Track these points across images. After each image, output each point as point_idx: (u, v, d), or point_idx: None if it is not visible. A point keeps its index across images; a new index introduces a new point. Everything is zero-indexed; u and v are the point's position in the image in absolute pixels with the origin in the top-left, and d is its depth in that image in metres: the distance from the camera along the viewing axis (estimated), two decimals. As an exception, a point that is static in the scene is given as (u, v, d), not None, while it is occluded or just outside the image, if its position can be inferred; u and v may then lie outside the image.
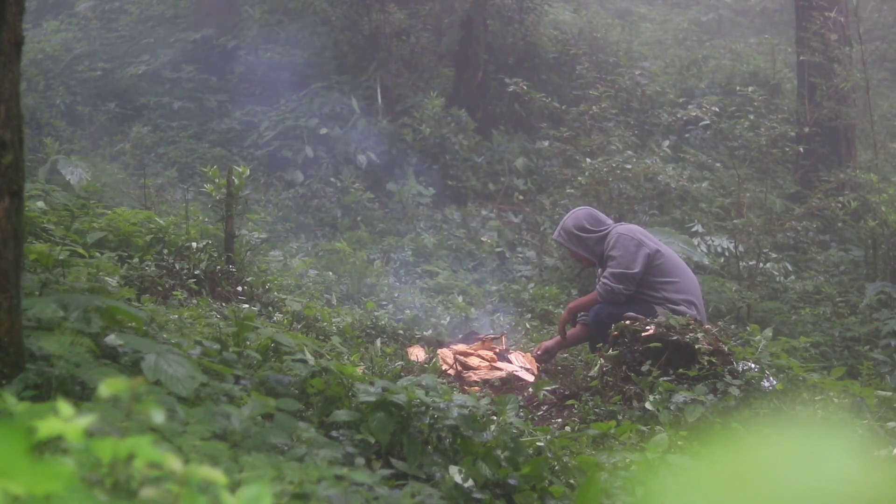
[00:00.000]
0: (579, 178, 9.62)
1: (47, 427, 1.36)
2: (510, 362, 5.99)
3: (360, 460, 2.70)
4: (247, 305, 5.35)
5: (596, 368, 5.37)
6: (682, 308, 5.70)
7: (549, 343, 6.32)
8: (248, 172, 6.63)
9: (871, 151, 10.10)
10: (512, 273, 9.84)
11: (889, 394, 4.67)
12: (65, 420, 1.37)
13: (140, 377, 1.72)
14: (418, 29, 13.90)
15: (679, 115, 11.39)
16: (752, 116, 9.67)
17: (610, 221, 6.25)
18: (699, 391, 4.49)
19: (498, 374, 5.77)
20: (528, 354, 6.22)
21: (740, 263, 9.13)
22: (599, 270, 6.11)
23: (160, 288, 5.33)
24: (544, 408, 5.16)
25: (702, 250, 9.19)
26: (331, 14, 13.37)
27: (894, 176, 9.59)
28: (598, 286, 5.98)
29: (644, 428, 4.08)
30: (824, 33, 10.16)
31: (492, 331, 6.80)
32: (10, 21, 2.43)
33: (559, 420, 4.88)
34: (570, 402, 5.02)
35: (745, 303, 8.39)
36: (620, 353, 5.15)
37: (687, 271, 6.07)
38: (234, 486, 1.46)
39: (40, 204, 5.76)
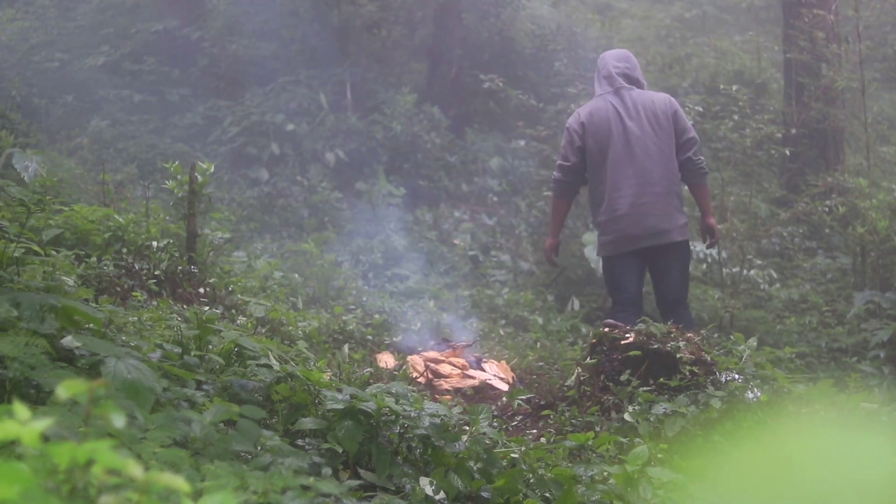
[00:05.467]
0: (556, 179, 9.39)
1: (2, 430, 1.35)
2: (483, 370, 5.90)
3: (327, 470, 2.71)
4: (209, 308, 5.30)
5: (573, 378, 5.28)
6: (604, 216, 5.70)
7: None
8: (211, 169, 6.59)
9: (861, 155, 9.90)
10: (485, 277, 9.87)
11: (875, 406, 4.60)
12: (21, 423, 1.36)
13: (99, 380, 1.62)
14: (390, 22, 14.00)
15: (661, 115, 11.15)
16: (736, 117, 9.58)
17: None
18: (680, 402, 4.42)
19: (470, 382, 5.71)
20: (503, 363, 6.14)
21: (723, 270, 9.02)
22: None
23: (119, 288, 5.33)
24: (519, 418, 5.10)
25: (684, 256, 8.98)
26: (299, 5, 13.56)
27: (884, 181, 9.35)
28: None
29: (623, 439, 4.03)
30: (812, 31, 9.90)
31: (464, 338, 6.79)
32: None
33: (534, 431, 4.82)
34: (545, 412, 4.96)
35: (729, 311, 8.29)
36: (598, 362, 5.08)
37: (615, 151, 5.74)
38: (195, 496, 1.50)
39: (-6, 199, 5.66)
